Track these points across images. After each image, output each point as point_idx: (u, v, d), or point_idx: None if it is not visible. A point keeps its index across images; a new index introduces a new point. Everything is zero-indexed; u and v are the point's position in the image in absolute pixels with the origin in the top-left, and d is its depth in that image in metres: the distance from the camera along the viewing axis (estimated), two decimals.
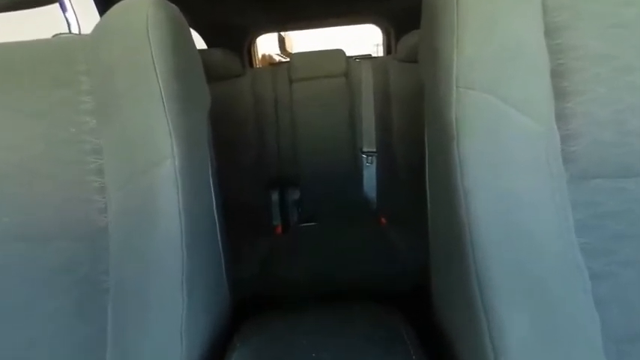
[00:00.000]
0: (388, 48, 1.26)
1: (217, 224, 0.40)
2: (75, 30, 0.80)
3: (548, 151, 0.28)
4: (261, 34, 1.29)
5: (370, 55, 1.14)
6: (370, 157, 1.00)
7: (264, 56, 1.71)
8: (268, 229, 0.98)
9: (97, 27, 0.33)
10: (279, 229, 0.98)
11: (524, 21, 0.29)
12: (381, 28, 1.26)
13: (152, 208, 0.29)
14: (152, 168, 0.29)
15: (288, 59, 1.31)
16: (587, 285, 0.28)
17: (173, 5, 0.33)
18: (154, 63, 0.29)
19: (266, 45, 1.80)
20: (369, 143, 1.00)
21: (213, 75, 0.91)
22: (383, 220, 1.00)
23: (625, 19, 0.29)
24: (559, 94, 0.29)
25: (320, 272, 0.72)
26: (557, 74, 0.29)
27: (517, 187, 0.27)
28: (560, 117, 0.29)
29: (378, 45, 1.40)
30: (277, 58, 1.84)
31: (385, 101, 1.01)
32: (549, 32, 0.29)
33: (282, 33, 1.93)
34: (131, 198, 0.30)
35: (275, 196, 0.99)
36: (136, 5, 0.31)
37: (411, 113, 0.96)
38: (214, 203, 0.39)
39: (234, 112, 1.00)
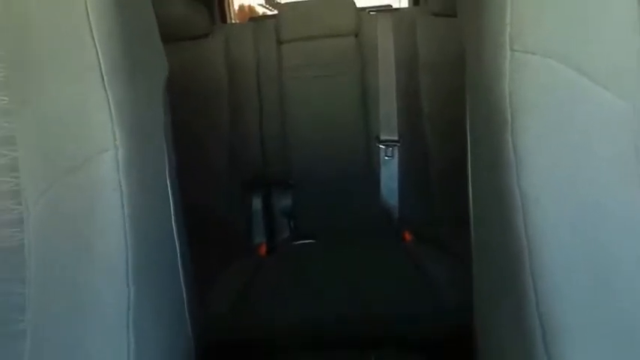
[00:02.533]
0: None
1: (177, 243, 0.35)
2: None
3: (637, 137, 0.25)
4: None
5: (391, 5, 1.01)
6: (391, 149, 0.88)
7: (242, 8, 1.56)
8: (248, 248, 0.84)
9: None
10: (264, 249, 0.84)
11: None
12: None
13: (85, 222, 0.25)
14: (86, 164, 0.25)
15: (275, 12, 1.17)
16: None
17: None
18: (89, 22, 0.24)
19: None
20: (388, 129, 0.88)
21: (172, 34, 0.80)
22: (407, 236, 0.87)
23: None
24: None
25: (319, 310, 0.63)
26: None
27: (597, 189, 0.24)
28: None
29: None
30: (261, 11, 1.67)
31: (411, 71, 0.88)
32: None
33: None
34: (56, 206, 0.26)
35: (257, 203, 0.85)
36: None
37: (448, 87, 0.80)
38: (173, 214, 0.34)
39: (200, 86, 0.86)
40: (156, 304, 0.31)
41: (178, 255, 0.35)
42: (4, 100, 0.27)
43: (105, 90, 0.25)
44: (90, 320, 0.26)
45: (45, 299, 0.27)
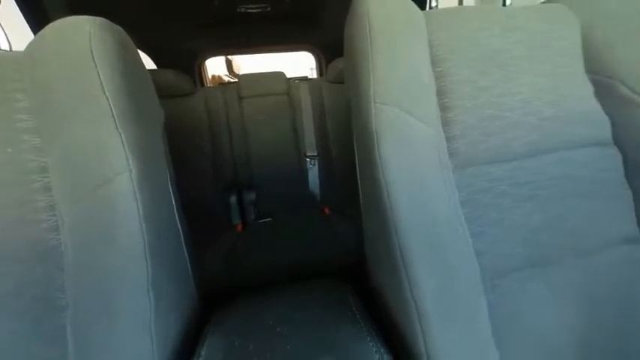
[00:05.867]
0: (320, 71, 1.44)
1: (180, 228, 0.39)
2: (5, 47, 0.81)
3: (439, 150, 0.34)
4: (209, 57, 1.37)
5: (307, 77, 1.27)
6: (313, 160, 1.13)
7: (214, 77, 1.78)
8: (230, 227, 1.02)
9: (32, 44, 0.31)
10: (240, 227, 1.03)
11: (418, 53, 0.35)
12: (314, 55, 1.46)
13: (111, 221, 0.28)
14: (108, 183, 0.28)
15: (236, 79, 1.38)
16: (469, 242, 0.34)
17: (116, 25, 0.33)
18: (101, 82, 0.28)
19: (215, 67, 1.87)
20: (311, 149, 1.14)
21: (166, 93, 0.98)
22: (326, 210, 1.12)
23: (481, 54, 0.39)
24: (443, 107, 0.36)
25: (278, 259, 0.78)
26: (441, 93, 0.37)
27: (423, 177, 0.32)
28: (445, 124, 0.36)
29: (312, 68, 1.56)
30: (226, 79, 1.91)
31: (321, 115, 1.15)
32: (434, 62, 0.37)
33: (229, 57, 2.01)
34: (87, 213, 0.29)
35: (233, 199, 1.04)
36: (77, 24, 0.30)
37: (343, 124, 1.14)
38: (175, 209, 0.39)
39: (190, 126, 1.04)
40: (168, 272, 0.34)
41: (182, 236, 0.40)
42: (36, 140, 0.30)
43: (117, 129, 0.29)
44: (120, 290, 0.29)
45: (81, 281, 0.29)
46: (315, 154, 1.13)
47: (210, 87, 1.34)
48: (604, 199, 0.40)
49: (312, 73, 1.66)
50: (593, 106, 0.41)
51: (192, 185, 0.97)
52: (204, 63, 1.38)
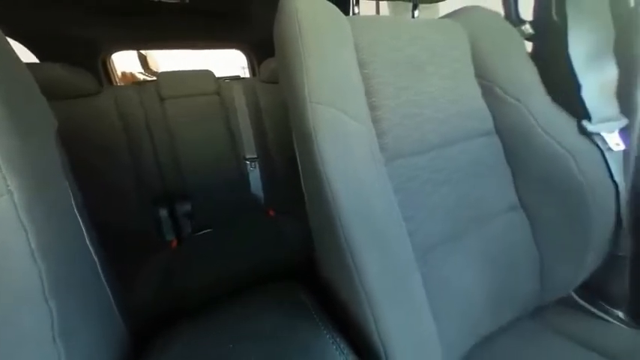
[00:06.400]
0: (253, 70, 1.41)
1: (95, 258, 0.35)
2: None
3: (371, 145, 0.36)
4: (116, 50, 1.19)
5: (239, 76, 1.24)
6: (253, 163, 1.12)
7: (124, 74, 1.57)
8: (163, 245, 0.95)
9: None
10: (174, 243, 0.97)
11: (346, 55, 0.37)
12: (245, 54, 1.41)
13: None
14: None
15: (154, 78, 1.25)
16: (403, 226, 0.37)
17: None
18: None
19: (125, 64, 1.63)
20: (250, 151, 1.12)
21: (60, 93, 0.86)
22: (271, 212, 1.12)
23: (398, 58, 0.43)
24: (371, 106, 0.40)
25: (222, 272, 0.75)
26: (369, 93, 0.40)
27: (359, 172, 0.34)
28: (374, 121, 0.39)
29: (244, 68, 1.52)
30: (142, 77, 1.70)
31: (258, 115, 1.14)
32: (361, 64, 0.40)
33: (144, 52, 1.80)
34: None
35: (164, 212, 0.97)
36: None
37: (280, 124, 1.16)
38: (86, 236, 0.34)
39: (99, 132, 0.92)
40: (83, 313, 0.30)
41: (99, 267, 0.36)
42: None
43: None
44: (17, 342, 0.25)
45: None
46: (256, 156, 1.12)
47: (120, 86, 1.18)
48: (494, 177, 0.50)
49: (245, 72, 1.58)
50: (482, 104, 0.51)
51: (110, 202, 0.88)
52: (109, 58, 1.19)
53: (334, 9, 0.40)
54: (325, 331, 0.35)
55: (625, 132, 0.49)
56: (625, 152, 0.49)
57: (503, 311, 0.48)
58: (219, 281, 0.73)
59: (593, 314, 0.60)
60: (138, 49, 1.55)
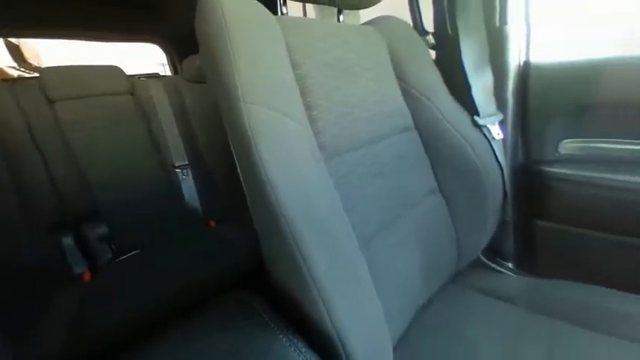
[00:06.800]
0: (174, 68, 1.29)
1: None
2: None
3: (310, 144, 0.37)
4: None
5: (158, 73, 1.12)
6: (185, 170, 1.03)
7: None
8: (70, 281, 0.79)
9: None
10: (87, 276, 0.81)
11: (278, 55, 0.37)
12: (163, 49, 1.27)
13: None
14: None
15: (34, 74, 1.03)
16: (346, 218, 0.38)
17: None
18: None
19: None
20: (180, 158, 1.03)
21: None
22: (212, 223, 1.05)
23: (329, 60, 0.45)
24: (307, 106, 0.40)
25: (156, 296, 0.68)
26: (304, 93, 0.40)
27: (301, 170, 0.34)
28: (311, 121, 0.40)
29: (164, 64, 1.36)
30: (15, 73, 1.36)
31: (185, 118, 1.05)
32: (294, 65, 0.40)
33: (14, 40, 1.42)
34: None
35: (68, 240, 0.80)
36: None
37: (212, 126, 1.07)
38: None
39: None
40: None
41: None
42: None
43: None
44: None
45: None
46: (187, 163, 1.03)
47: None
48: (417, 167, 0.57)
49: (165, 70, 1.44)
50: (402, 102, 0.57)
51: None
52: None
53: (261, 7, 0.40)
54: (281, 336, 0.35)
55: (502, 125, 0.63)
56: (503, 140, 0.62)
57: (432, 281, 0.56)
58: (157, 305, 0.66)
59: (494, 269, 0.75)
60: (8, 36, 1.24)
